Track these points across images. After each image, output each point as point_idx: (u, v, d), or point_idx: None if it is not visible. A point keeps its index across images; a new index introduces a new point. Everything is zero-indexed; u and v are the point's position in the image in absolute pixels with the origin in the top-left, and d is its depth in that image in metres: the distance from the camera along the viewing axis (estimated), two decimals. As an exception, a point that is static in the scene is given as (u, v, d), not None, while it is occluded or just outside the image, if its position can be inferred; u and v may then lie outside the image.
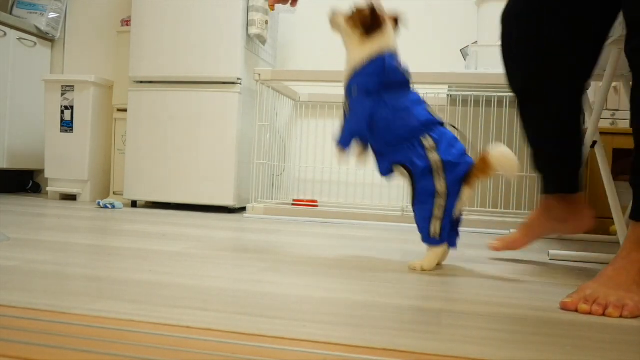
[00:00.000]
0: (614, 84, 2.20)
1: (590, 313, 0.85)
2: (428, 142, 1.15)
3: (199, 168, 2.46)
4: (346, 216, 2.26)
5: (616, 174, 2.18)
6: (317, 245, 1.53)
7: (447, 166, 1.13)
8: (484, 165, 1.13)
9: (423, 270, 1.18)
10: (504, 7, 1.28)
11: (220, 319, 0.72)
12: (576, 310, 0.87)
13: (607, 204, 1.57)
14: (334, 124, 2.86)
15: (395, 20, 1.27)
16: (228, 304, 0.81)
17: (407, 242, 1.71)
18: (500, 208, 2.46)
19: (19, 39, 3.03)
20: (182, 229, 1.74)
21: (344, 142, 1.23)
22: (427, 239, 1.17)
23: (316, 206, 2.59)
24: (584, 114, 1.33)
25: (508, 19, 1.26)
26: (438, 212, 1.13)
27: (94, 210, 2.33)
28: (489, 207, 2.47)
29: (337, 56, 2.99)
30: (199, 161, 2.47)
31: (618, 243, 1.49)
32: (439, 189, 1.13)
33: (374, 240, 1.70)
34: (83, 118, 2.82)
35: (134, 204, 2.61)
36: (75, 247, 1.28)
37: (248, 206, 2.39)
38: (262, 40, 2.54)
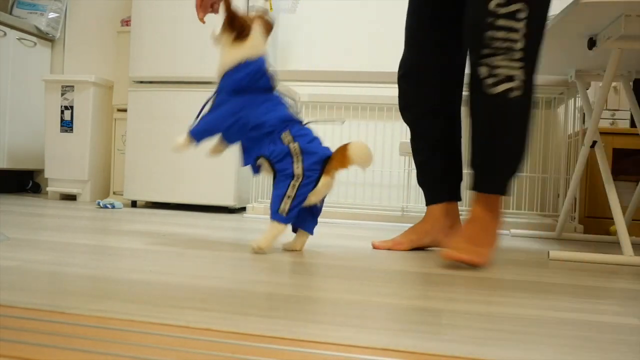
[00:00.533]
0: (614, 84, 2.21)
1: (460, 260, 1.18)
2: (287, 136, 1.27)
3: (199, 168, 2.46)
4: (346, 216, 2.26)
5: (616, 174, 2.19)
6: (316, 245, 1.53)
7: (305, 153, 1.25)
8: (342, 157, 1.25)
9: (260, 249, 1.28)
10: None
11: (220, 319, 0.72)
12: (457, 259, 1.19)
13: (607, 204, 1.57)
14: (334, 124, 2.85)
15: (268, 26, 1.39)
16: (228, 304, 0.81)
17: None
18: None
19: (19, 39, 3.03)
20: (182, 229, 1.74)
21: (196, 135, 1.35)
22: (275, 214, 1.26)
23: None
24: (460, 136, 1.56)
25: (398, 77, 1.56)
26: (291, 191, 1.24)
27: (94, 210, 2.33)
28: (489, 207, 2.46)
29: (337, 56, 2.99)
30: (199, 161, 2.47)
31: (618, 243, 1.49)
32: (296, 171, 1.25)
33: (373, 239, 1.69)
34: (83, 118, 2.82)
35: (134, 204, 2.61)
36: (75, 247, 1.28)
37: (248, 206, 2.39)
38: (262, 40, 2.54)
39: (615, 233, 1.77)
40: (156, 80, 2.53)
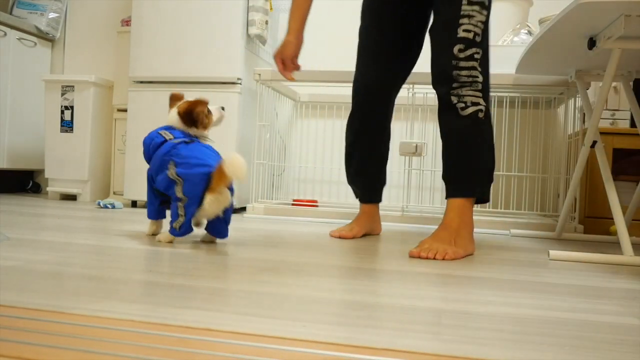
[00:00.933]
0: (614, 84, 2.21)
1: (426, 257, 1.36)
2: (171, 166, 1.40)
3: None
4: (346, 216, 2.25)
5: (616, 174, 2.19)
6: (317, 245, 1.53)
7: (185, 179, 1.36)
8: (219, 173, 1.32)
9: (160, 242, 1.43)
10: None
11: (220, 319, 0.72)
12: (419, 257, 1.36)
13: (607, 204, 1.57)
14: (334, 124, 2.86)
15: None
16: (228, 304, 0.81)
17: (407, 242, 1.71)
18: (500, 208, 2.46)
19: (19, 39, 3.03)
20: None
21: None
22: (171, 229, 1.41)
23: (316, 206, 2.59)
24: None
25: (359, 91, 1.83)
26: (181, 211, 1.38)
27: (94, 210, 2.33)
28: (489, 207, 2.47)
29: (337, 56, 2.99)
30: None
31: (618, 243, 1.49)
32: (178, 195, 1.38)
33: (374, 240, 1.70)
34: (83, 118, 2.82)
35: (134, 204, 2.61)
36: (75, 247, 1.28)
37: (248, 206, 2.39)
38: (262, 40, 2.54)
39: (615, 233, 1.77)
40: (156, 80, 2.53)
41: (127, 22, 2.89)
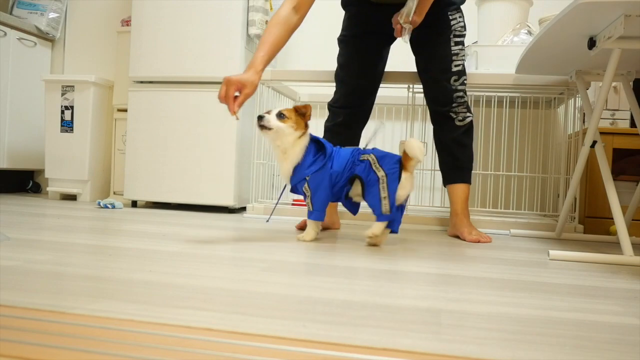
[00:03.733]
0: (614, 84, 2.21)
1: (485, 241, 1.78)
2: (363, 156, 1.56)
3: (199, 168, 2.46)
4: (346, 216, 2.25)
5: (616, 174, 2.19)
6: (317, 245, 1.53)
7: (380, 159, 1.52)
8: (405, 155, 1.50)
9: (371, 239, 1.53)
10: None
11: (220, 319, 0.72)
12: (479, 242, 1.76)
13: (607, 204, 1.57)
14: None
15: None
16: (228, 304, 0.81)
17: (407, 241, 1.71)
18: (500, 208, 2.46)
19: (19, 39, 3.03)
20: (182, 229, 1.74)
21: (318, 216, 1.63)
22: (381, 216, 1.50)
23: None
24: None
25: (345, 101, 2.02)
26: (384, 192, 1.49)
27: (94, 210, 2.33)
28: (489, 207, 2.47)
29: (336, 56, 2.98)
30: (199, 161, 2.47)
31: (618, 243, 1.49)
32: (379, 174, 1.50)
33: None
34: (83, 118, 2.82)
35: (134, 204, 2.61)
36: (75, 247, 1.28)
37: (248, 206, 2.39)
38: (262, 40, 2.54)
39: (615, 233, 1.77)
40: (156, 80, 2.53)
41: (127, 22, 2.88)
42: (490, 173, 2.49)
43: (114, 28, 3.11)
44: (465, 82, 1.90)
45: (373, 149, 1.61)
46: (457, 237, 1.87)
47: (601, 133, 2.00)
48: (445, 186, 1.98)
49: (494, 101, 2.43)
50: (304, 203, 2.67)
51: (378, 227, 1.51)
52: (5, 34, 2.92)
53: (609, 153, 2.15)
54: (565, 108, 2.41)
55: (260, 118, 1.57)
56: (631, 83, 1.86)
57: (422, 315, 0.80)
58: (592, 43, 1.55)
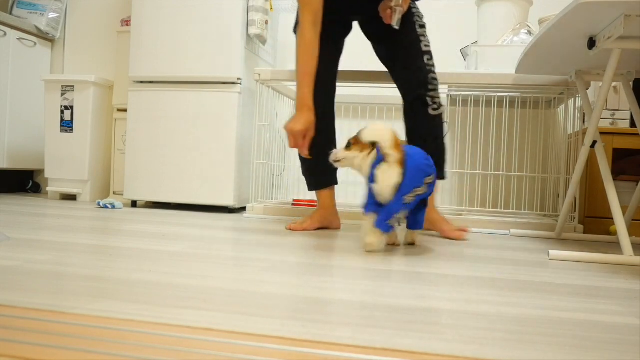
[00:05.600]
0: (614, 84, 2.21)
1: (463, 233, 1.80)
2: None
3: (199, 168, 2.46)
4: (346, 216, 2.25)
5: (616, 174, 2.19)
6: (317, 245, 1.53)
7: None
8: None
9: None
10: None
11: (220, 319, 0.72)
12: (464, 232, 1.80)
13: (607, 204, 1.57)
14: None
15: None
16: (228, 304, 0.81)
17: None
18: (500, 208, 2.46)
19: (19, 39, 3.03)
20: (182, 229, 1.74)
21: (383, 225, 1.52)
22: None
23: (316, 206, 2.59)
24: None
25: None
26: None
27: (94, 210, 2.33)
28: (489, 207, 2.47)
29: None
30: (199, 161, 2.47)
31: (618, 243, 1.49)
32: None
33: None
34: (83, 118, 2.82)
35: (134, 204, 2.61)
36: (75, 247, 1.28)
37: (248, 206, 2.39)
38: (262, 40, 2.54)
39: (615, 233, 1.77)
40: (156, 80, 2.53)
41: (127, 22, 2.88)
42: (490, 173, 2.49)
43: (114, 28, 3.11)
44: (435, 66, 1.88)
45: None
46: (431, 231, 1.89)
47: (601, 133, 2.00)
48: None
49: (494, 101, 2.43)
50: (305, 203, 2.69)
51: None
52: (5, 34, 2.92)
53: (609, 153, 2.15)
54: (565, 108, 2.41)
55: (329, 154, 1.58)
56: (631, 83, 1.86)
57: (422, 315, 0.80)
58: (592, 43, 1.55)
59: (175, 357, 0.57)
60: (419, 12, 1.93)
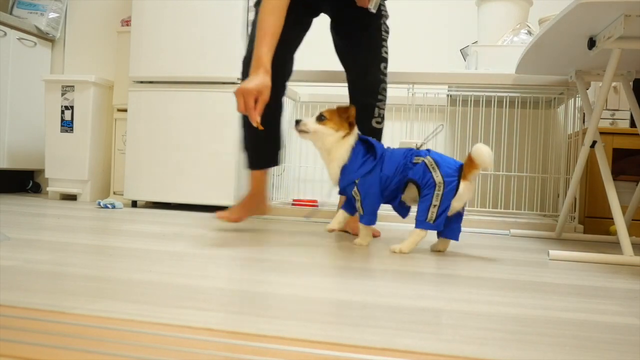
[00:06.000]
0: (614, 84, 2.21)
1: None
2: (417, 158, 1.45)
3: (199, 168, 2.46)
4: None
5: (616, 174, 2.19)
6: (317, 245, 1.53)
7: (440, 164, 1.42)
8: (470, 161, 1.41)
9: (402, 252, 1.43)
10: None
11: (220, 319, 0.72)
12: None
13: (607, 204, 1.57)
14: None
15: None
16: (228, 304, 0.81)
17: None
18: (500, 208, 2.46)
19: (19, 39, 3.03)
20: (182, 229, 1.74)
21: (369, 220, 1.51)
22: (421, 224, 1.41)
23: (316, 206, 2.59)
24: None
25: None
26: (436, 200, 1.39)
27: (94, 210, 2.33)
28: (489, 207, 2.47)
29: (337, 56, 2.98)
30: (199, 161, 2.47)
31: (618, 243, 1.49)
32: (436, 180, 1.40)
33: (374, 240, 1.70)
34: (83, 118, 2.82)
35: (134, 204, 2.61)
36: (75, 247, 1.28)
37: (248, 206, 2.38)
38: (262, 40, 2.54)
39: (615, 233, 1.77)
40: (156, 80, 2.53)
41: (127, 22, 2.88)
42: (490, 173, 2.49)
43: (114, 28, 3.11)
44: (386, 76, 1.82)
45: (429, 150, 1.49)
46: (347, 232, 1.81)
47: (601, 133, 2.00)
48: None
49: (494, 101, 2.43)
50: (305, 203, 2.69)
51: (412, 238, 1.43)
52: (5, 34, 2.92)
53: (609, 153, 2.15)
54: (565, 108, 2.41)
55: (297, 123, 1.50)
56: (631, 83, 1.86)
57: (422, 315, 0.80)
58: (592, 43, 1.55)
59: (175, 357, 0.57)
60: (387, 14, 1.87)
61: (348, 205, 1.56)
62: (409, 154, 1.47)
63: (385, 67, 1.81)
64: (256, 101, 1.48)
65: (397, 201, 1.50)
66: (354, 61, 1.84)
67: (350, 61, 1.86)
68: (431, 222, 1.39)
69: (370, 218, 1.49)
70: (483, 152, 1.38)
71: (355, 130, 1.52)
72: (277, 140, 1.85)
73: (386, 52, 1.82)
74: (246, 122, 1.76)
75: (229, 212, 1.76)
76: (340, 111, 1.50)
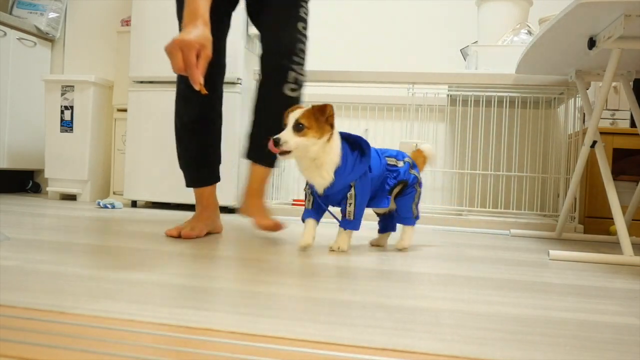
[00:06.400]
0: (614, 84, 2.21)
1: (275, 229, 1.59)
2: (392, 160, 1.46)
3: (199, 168, 2.46)
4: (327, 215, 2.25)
5: (616, 174, 2.19)
6: (317, 245, 1.53)
7: (413, 163, 1.50)
8: (423, 158, 1.54)
9: (405, 249, 1.49)
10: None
11: (220, 319, 0.72)
12: (275, 229, 1.59)
13: (607, 204, 1.57)
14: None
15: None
16: (228, 304, 0.81)
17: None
18: (501, 208, 2.46)
19: (19, 39, 3.03)
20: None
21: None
22: (411, 220, 1.48)
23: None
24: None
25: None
26: (417, 198, 1.47)
27: (94, 210, 2.33)
28: (489, 207, 2.47)
29: (337, 56, 2.98)
30: (199, 161, 2.46)
31: (618, 243, 1.49)
32: (420, 178, 1.49)
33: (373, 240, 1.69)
34: (83, 118, 2.82)
35: (134, 204, 2.61)
36: (75, 247, 1.28)
37: (248, 206, 2.38)
38: (262, 40, 2.54)
39: (615, 233, 1.77)
40: (156, 80, 2.53)
41: (127, 22, 2.88)
42: (490, 173, 2.49)
43: (114, 28, 3.11)
44: (307, 39, 1.61)
45: (381, 149, 1.47)
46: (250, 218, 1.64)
47: (601, 133, 2.00)
48: (246, 158, 1.66)
49: (494, 101, 2.43)
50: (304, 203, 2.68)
51: (409, 233, 1.49)
52: (5, 34, 2.92)
53: (609, 153, 2.15)
54: (565, 108, 2.41)
55: (276, 143, 1.27)
56: (631, 83, 1.86)
57: (422, 315, 0.80)
58: (592, 43, 1.55)
59: (175, 357, 0.57)
60: None
61: (319, 211, 1.43)
62: (381, 153, 1.45)
63: (305, 28, 1.60)
64: (198, 56, 1.26)
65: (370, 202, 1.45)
66: (267, 19, 1.63)
67: (264, 19, 1.65)
68: (414, 217, 1.48)
69: (360, 222, 1.40)
70: (432, 150, 1.53)
71: (336, 128, 1.38)
72: (218, 150, 1.72)
73: (305, 14, 1.61)
74: (183, 134, 1.68)
75: (186, 229, 1.55)
76: (317, 113, 1.31)
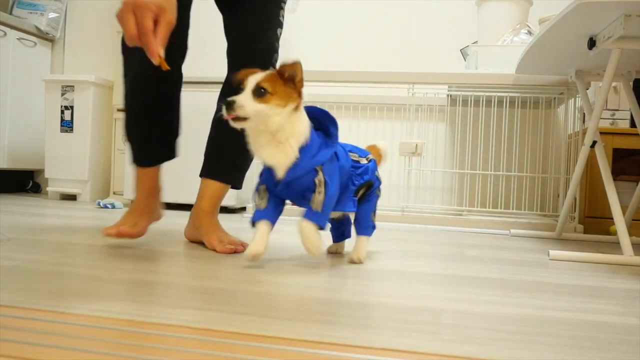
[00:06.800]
0: (614, 84, 2.21)
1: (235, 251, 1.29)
2: (357, 158, 1.25)
3: (199, 168, 2.46)
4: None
5: (616, 174, 2.19)
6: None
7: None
8: (379, 156, 1.33)
9: (361, 261, 1.23)
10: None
11: (220, 319, 0.72)
12: (235, 252, 1.29)
13: (607, 204, 1.57)
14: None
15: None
16: (228, 304, 0.81)
17: (406, 241, 1.71)
18: (501, 208, 2.46)
19: (19, 39, 3.03)
20: (182, 229, 1.74)
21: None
22: (369, 230, 1.27)
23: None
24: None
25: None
26: (375, 205, 1.28)
27: (94, 210, 2.33)
28: (489, 207, 2.47)
29: (337, 56, 2.98)
30: (199, 161, 2.46)
31: (618, 243, 1.49)
32: (380, 179, 1.28)
33: (373, 240, 1.69)
34: (83, 118, 2.82)
35: (134, 204, 2.61)
36: (75, 247, 1.28)
37: (248, 206, 2.39)
38: (262, 40, 2.53)
39: (615, 233, 1.77)
40: (156, 80, 2.53)
41: (127, 22, 2.88)
42: (490, 173, 2.49)
43: (114, 28, 3.10)
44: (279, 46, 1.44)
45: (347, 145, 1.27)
46: (202, 243, 1.41)
47: (601, 133, 2.00)
48: (200, 176, 1.57)
49: (494, 101, 2.43)
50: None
51: (365, 244, 1.26)
52: (5, 34, 2.92)
53: (609, 153, 2.15)
54: (565, 108, 2.41)
55: (229, 105, 1.03)
56: (631, 83, 1.86)
57: (422, 315, 0.80)
58: (592, 43, 1.55)
59: (175, 357, 0.57)
60: None
61: (276, 210, 1.19)
62: (343, 145, 1.23)
63: (280, 32, 1.43)
64: (155, 24, 1.02)
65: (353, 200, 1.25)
66: (243, 22, 1.42)
67: (237, 23, 1.44)
68: (372, 227, 1.27)
69: (327, 219, 1.14)
70: (387, 147, 1.36)
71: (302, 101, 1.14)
72: (173, 121, 1.52)
73: (283, 16, 1.45)
74: (132, 100, 1.39)
75: (125, 226, 1.34)
76: (284, 74, 1.07)
